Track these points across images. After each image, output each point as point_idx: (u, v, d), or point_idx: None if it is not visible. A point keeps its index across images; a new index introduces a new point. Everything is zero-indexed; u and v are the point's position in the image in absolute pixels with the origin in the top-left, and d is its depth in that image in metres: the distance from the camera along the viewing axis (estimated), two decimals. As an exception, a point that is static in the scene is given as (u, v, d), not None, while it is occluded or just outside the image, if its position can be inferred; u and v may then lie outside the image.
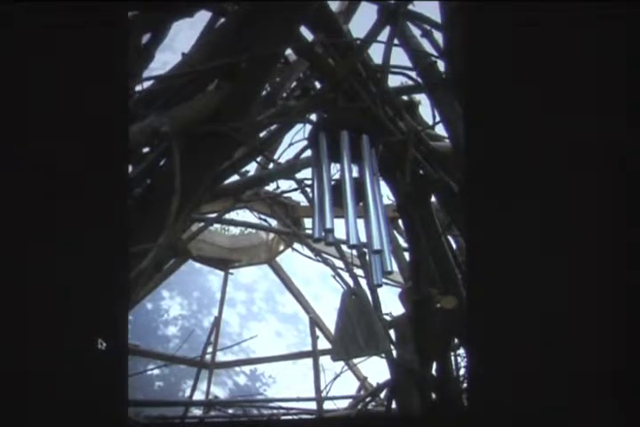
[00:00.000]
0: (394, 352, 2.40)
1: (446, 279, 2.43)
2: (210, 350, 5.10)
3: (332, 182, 1.81)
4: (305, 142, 2.43)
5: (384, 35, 2.41)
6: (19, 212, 1.37)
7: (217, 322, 5.27)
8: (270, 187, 3.41)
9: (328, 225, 1.71)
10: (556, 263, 1.32)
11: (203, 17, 2.40)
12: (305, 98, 2.63)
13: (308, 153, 2.15)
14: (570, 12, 1.37)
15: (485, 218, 1.37)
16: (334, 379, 4.32)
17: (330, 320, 4.80)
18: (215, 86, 2.20)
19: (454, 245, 2.59)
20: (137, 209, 2.00)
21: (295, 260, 4.92)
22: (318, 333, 4.86)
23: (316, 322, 4.95)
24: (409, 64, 2.49)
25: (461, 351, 2.50)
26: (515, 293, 1.32)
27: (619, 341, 1.28)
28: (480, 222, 1.37)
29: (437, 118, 2.43)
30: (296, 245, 4.15)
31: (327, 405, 4.41)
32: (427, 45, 2.48)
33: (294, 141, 2.71)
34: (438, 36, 2.43)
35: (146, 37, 2.32)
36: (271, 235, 4.92)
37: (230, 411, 4.66)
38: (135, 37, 2.23)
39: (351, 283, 2.52)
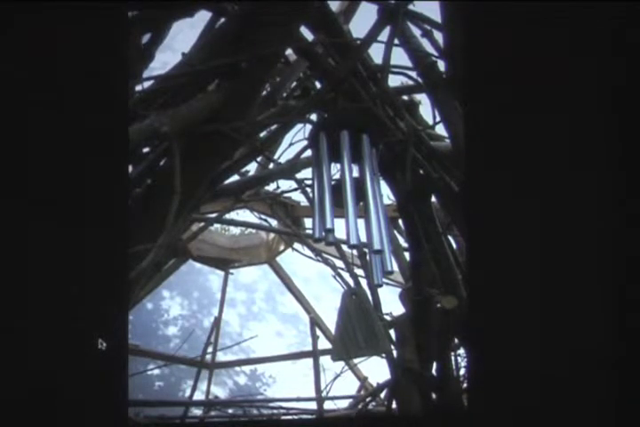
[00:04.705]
0: (394, 352, 2.40)
1: (446, 279, 2.43)
2: (210, 350, 5.09)
3: (333, 182, 1.81)
4: (305, 142, 2.43)
5: (384, 35, 2.41)
6: (19, 212, 1.37)
7: (217, 322, 5.26)
8: (270, 187, 3.41)
9: (328, 225, 1.71)
10: (556, 263, 1.32)
11: (203, 17, 2.40)
12: (305, 98, 2.63)
13: (309, 153, 2.15)
14: (569, 11, 1.37)
15: (485, 218, 1.37)
16: (334, 379, 4.31)
17: (330, 320, 4.80)
18: (215, 86, 2.20)
19: (454, 245, 2.59)
20: (137, 209, 2.00)
21: (295, 260, 4.92)
22: (318, 333, 4.85)
23: (316, 322, 4.94)
24: (409, 64, 2.49)
25: (461, 351, 2.50)
26: (515, 293, 1.32)
27: (619, 340, 1.28)
28: (480, 222, 1.37)
29: (438, 118, 2.43)
30: (296, 245, 4.15)
31: (327, 405, 4.40)
32: (427, 45, 2.48)
33: (294, 141, 2.71)
34: (438, 36, 2.43)
35: (146, 37, 2.32)
36: (271, 235, 4.91)
37: (230, 411, 4.65)
38: (135, 37, 2.23)
39: (351, 283, 2.52)
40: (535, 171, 1.35)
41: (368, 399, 4.29)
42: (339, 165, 1.83)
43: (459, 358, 2.49)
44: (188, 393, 5.54)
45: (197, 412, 4.81)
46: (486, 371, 1.33)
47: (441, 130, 2.60)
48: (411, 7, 2.50)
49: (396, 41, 2.42)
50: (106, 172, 1.43)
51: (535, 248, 1.33)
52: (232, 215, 3.89)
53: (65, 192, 1.40)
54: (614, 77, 1.35)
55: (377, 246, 1.71)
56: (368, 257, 1.89)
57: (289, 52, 2.56)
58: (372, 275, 1.80)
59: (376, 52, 2.53)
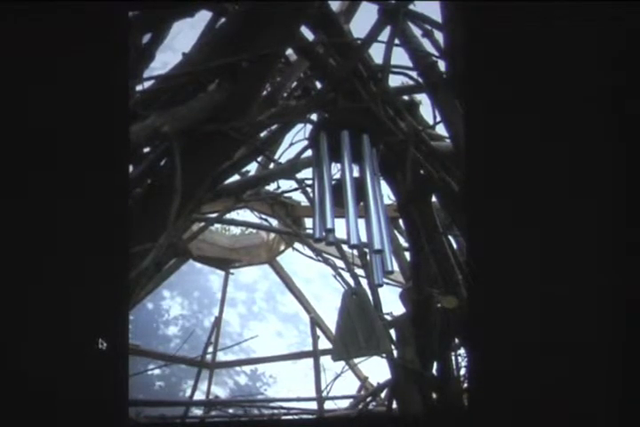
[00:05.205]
0: (394, 352, 2.40)
1: (447, 279, 2.43)
2: (210, 349, 5.10)
3: (333, 182, 1.81)
4: (305, 142, 2.43)
5: (385, 35, 2.41)
6: (19, 212, 1.37)
7: (217, 322, 5.27)
8: (271, 187, 3.41)
9: (329, 225, 1.71)
10: (556, 263, 1.31)
11: (203, 17, 2.41)
12: (305, 98, 2.63)
13: (309, 153, 2.15)
14: (569, 11, 1.37)
15: (485, 218, 1.37)
16: (335, 379, 4.32)
17: (330, 320, 4.80)
18: (215, 86, 2.20)
19: (454, 245, 2.59)
20: (137, 209, 2.00)
21: (296, 260, 4.92)
22: (319, 332, 4.86)
23: (316, 322, 4.94)
24: (410, 64, 2.49)
25: (462, 351, 2.50)
26: (515, 293, 1.32)
27: (619, 342, 1.28)
28: (480, 222, 1.37)
29: (438, 118, 2.43)
30: (297, 245, 4.15)
31: (328, 405, 4.41)
32: (427, 45, 2.48)
33: (295, 141, 2.71)
34: (439, 35, 2.43)
35: (146, 37, 2.32)
36: (272, 235, 4.92)
37: (231, 411, 4.65)
38: (135, 37, 2.23)
39: (352, 283, 2.51)
40: (535, 169, 1.35)
41: (368, 399, 4.30)
42: (339, 165, 1.83)
43: (459, 358, 2.49)
44: (188, 393, 5.55)
45: (198, 412, 4.82)
46: (486, 371, 1.32)
47: (441, 130, 2.60)
48: (411, 7, 2.50)
49: (397, 41, 2.43)
50: (106, 172, 1.43)
51: (535, 247, 1.33)
52: (232, 215, 3.89)
53: (65, 192, 1.40)
54: (615, 77, 1.35)
55: (377, 246, 1.70)
56: (368, 257, 1.89)
57: (289, 52, 2.56)
58: (372, 275, 1.80)
59: (376, 52, 2.53)
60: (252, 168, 3.37)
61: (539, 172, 1.34)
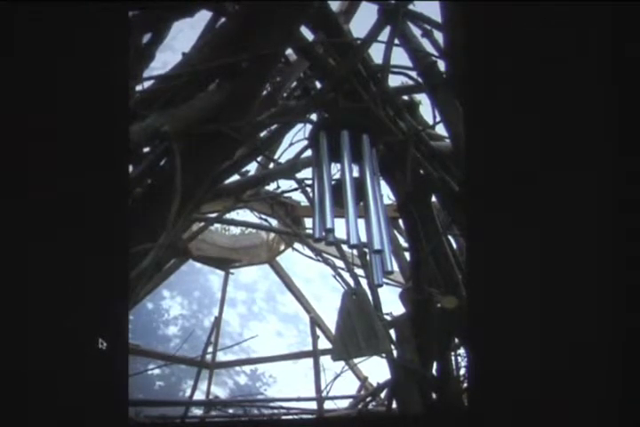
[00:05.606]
0: (394, 352, 2.40)
1: (447, 279, 2.43)
2: (210, 349, 5.10)
3: (333, 182, 1.81)
4: (305, 142, 2.43)
5: (384, 35, 2.41)
6: (19, 211, 1.37)
7: (217, 322, 5.27)
8: (271, 187, 3.41)
9: (328, 225, 1.71)
10: (556, 263, 1.31)
11: (203, 17, 2.41)
12: (305, 98, 2.63)
13: (309, 153, 2.15)
14: (570, 12, 1.37)
15: (485, 218, 1.37)
16: (335, 379, 4.32)
17: (330, 320, 4.80)
18: (215, 86, 2.20)
19: (454, 245, 2.59)
20: (137, 209, 2.00)
21: (296, 259, 4.93)
22: (319, 332, 4.86)
23: (316, 322, 4.94)
24: (409, 64, 2.50)
25: (461, 351, 2.50)
26: (515, 292, 1.32)
27: (620, 340, 1.28)
28: (480, 222, 1.37)
29: (438, 118, 2.43)
30: (296, 245, 4.15)
31: (328, 404, 4.41)
32: (427, 45, 2.48)
33: (295, 141, 2.71)
34: (439, 35, 2.43)
35: (146, 37, 2.32)
36: (272, 235, 4.92)
37: (231, 411, 4.65)
38: (135, 37, 2.23)
39: (352, 283, 2.51)
40: (536, 170, 1.35)
41: (368, 399, 4.30)
42: (339, 165, 1.83)
43: (459, 358, 2.49)
44: (188, 393, 5.56)
45: (198, 412, 4.82)
46: (486, 371, 1.32)
47: (441, 130, 2.61)
48: (411, 7, 2.50)
49: (396, 41, 2.43)
50: (106, 172, 1.43)
51: (536, 248, 1.33)
52: (232, 215, 3.90)
53: (65, 192, 1.40)
54: (616, 76, 1.35)
55: (377, 246, 1.71)
56: (368, 257, 1.89)
57: (289, 52, 2.57)
58: (372, 275, 1.80)
59: (376, 52, 2.54)
60: (252, 168, 3.37)
61: (539, 171, 1.34)
